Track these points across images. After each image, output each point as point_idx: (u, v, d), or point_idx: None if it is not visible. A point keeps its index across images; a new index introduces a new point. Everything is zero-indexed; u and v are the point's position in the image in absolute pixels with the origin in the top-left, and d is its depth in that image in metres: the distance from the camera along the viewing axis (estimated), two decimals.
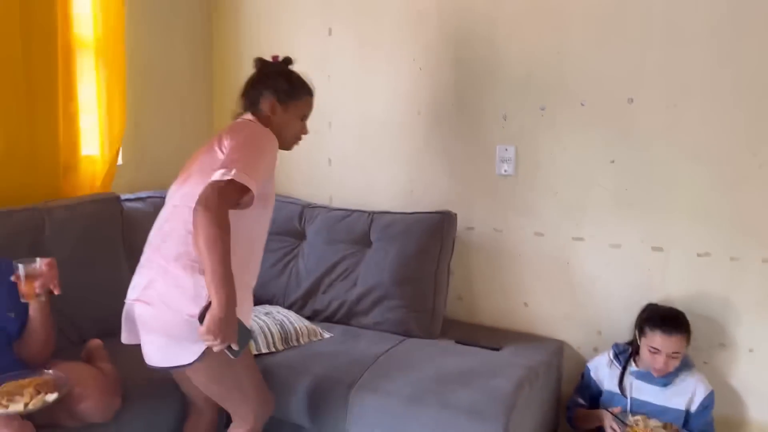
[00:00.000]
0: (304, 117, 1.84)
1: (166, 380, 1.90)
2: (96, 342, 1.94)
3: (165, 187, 2.69)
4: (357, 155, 2.72)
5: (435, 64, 2.50)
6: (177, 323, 1.54)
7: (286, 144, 1.82)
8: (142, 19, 2.61)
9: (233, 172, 1.48)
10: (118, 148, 2.46)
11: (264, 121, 1.75)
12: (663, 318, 2.05)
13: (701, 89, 2.08)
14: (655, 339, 2.00)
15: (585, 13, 2.21)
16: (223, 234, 1.42)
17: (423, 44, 2.51)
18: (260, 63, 1.84)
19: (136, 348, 2.08)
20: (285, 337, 2.20)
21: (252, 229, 1.67)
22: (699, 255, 2.16)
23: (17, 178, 2.16)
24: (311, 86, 1.85)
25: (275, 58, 1.86)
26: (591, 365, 2.20)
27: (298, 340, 2.23)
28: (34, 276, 1.60)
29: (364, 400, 1.93)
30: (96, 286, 2.12)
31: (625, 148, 2.22)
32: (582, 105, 2.27)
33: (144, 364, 1.86)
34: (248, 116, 1.77)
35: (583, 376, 2.22)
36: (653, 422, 1.99)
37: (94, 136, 2.42)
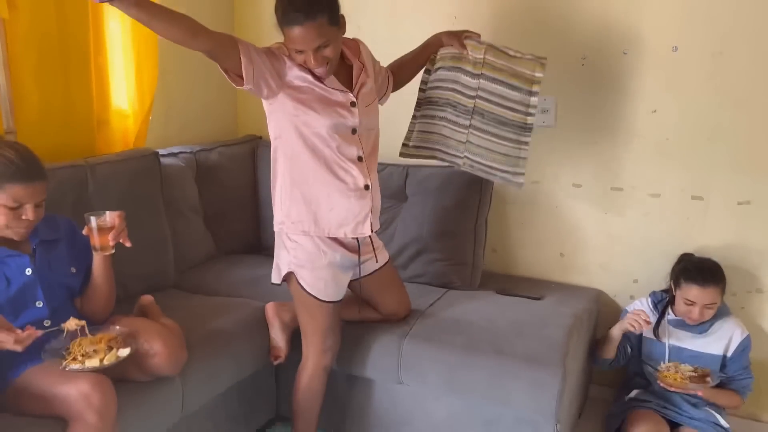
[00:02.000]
0: (294, 49, 1.67)
1: (224, 332, 1.93)
2: (148, 298, 1.94)
3: (192, 142, 2.69)
4: (389, 108, 2.68)
5: (471, 15, 2.45)
6: None
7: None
8: None
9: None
10: (151, 103, 2.40)
11: None
12: (698, 270, 2.08)
13: (747, 36, 2.07)
14: (691, 291, 2.04)
15: None
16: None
17: None
18: None
19: (185, 302, 2.11)
20: None
21: (299, 131, 1.74)
22: (739, 203, 2.19)
23: (53, 136, 2.12)
24: (297, 17, 1.63)
25: None
26: (630, 307, 2.23)
27: None
28: (106, 229, 1.59)
29: (417, 349, 1.97)
30: (140, 241, 2.09)
31: (667, 98, 2.22)
32: (624, 54, 2.25)
33: (196, 317, 1.91)
34: None
35: (622, 315, 2.25)
36: (684, 367, 2.04)
37: (125, 91, 2.36)
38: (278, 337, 2.05)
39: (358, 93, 1.81)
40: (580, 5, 2.27)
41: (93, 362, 1.52)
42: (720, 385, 2.09)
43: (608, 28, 2.25)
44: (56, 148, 2.12)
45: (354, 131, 1.79)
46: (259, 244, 2.77)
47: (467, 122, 2.03)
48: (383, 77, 2.02)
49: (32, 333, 1.39)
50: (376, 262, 1.96)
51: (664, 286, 2.25)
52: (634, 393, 2.19)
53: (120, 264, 2.06)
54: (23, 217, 1.51)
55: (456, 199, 2.40)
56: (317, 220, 1.79)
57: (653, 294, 2.23)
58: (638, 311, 2.09)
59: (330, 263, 1.81)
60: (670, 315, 2.17)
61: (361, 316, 2.04)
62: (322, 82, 1.75)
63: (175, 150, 2.52)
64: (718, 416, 2.08)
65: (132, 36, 2.33)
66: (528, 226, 2.54)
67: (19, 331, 1.38)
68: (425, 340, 1.98)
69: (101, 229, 1.58)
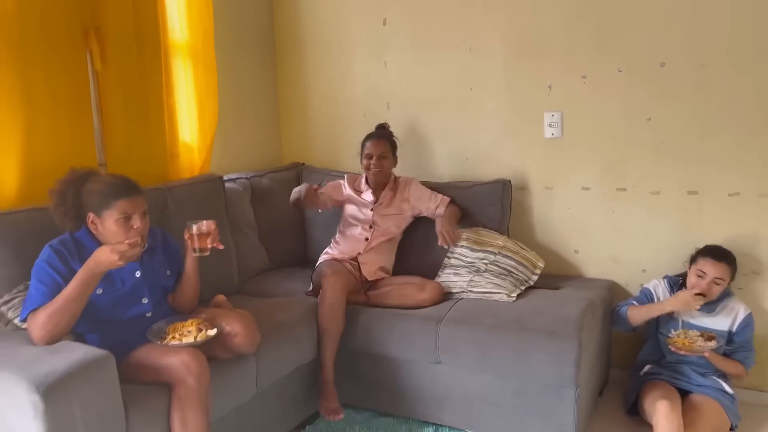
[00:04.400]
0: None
1: (287, 323, 2.28)
2: (221, 297, 2.29)
3: (244, 170, 3.08)
4: (414, 131, 3.06)
5: (483, 45, 2.83)
6: None
7: None
8: (221, 25, 2.96)
9: None
10: (212, 137, 2.81)
11: None
12: (714, 249, 2.38)
13: (727, 50, 2.39)
14: (705, 264, 2.32)
15: None
16: None
17: (471, 28, 2.84)
18: None
19: (251, 302, 2.45)
20: None
21: None
22: (730, 195, 2.49)
23: (136, 166, 2.49)
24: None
25: None
26: (650, 285, 2.51)
27: None
28: (204, 234, 1.95)
29: (452, 331, 2.29)
30: (211, 253, 2.48)
31: (659, 107, 2.54)
32: (619, 71, 2.59)
33: (263, 312, 2.25)
34: None
35: (641, 291, 2.52)
36: (692, 332, 2.31)
37: (189, 128, 2.76)
38: None
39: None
40: (578, 32, 2.63)
41: (189, 339, 1.87)
42: (725, 356, 2.36)
43: (604, 49, 2.59)
44: (138, 177, 2.47)
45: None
46: (305, 258, 3.13)
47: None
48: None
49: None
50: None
51: (669, 274, 2.53)
52: (647, 368, 2.46)
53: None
54: (135, 227, 1.88)
55: (480, 214, 2.76)
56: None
57: (667, 277, 2.51)
58: (692, 297, 2.30)
59: None
60: None
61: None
62: None
63: (233, 176, 2.91)
64: (723, 384, 2.34)
65: (195, 82, 2.74)
66: (545, 228, 2.85)
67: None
68: (458, 324, 2.30)
69: (200, 235, 1.95)
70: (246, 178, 2.98)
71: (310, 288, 2.61)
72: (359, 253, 2.70)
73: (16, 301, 1.87)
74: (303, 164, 3.33)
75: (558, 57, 2.69)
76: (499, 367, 2.23)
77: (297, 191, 2.74)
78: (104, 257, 1.72)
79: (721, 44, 2.40)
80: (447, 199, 2.77)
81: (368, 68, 3.13)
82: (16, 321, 1.84)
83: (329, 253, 2.76)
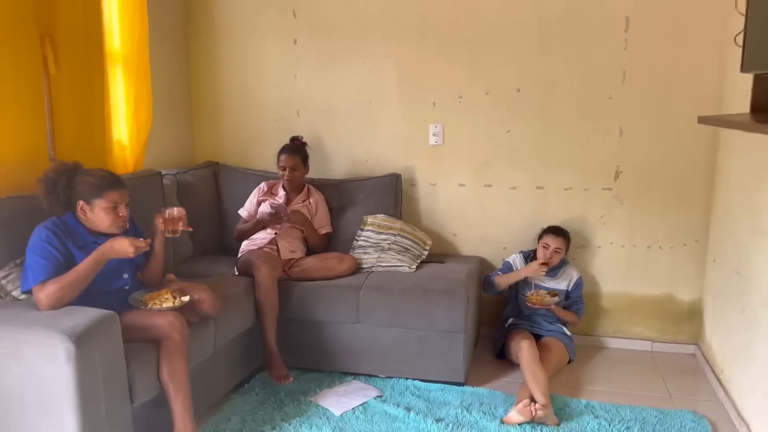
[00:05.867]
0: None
1: (233, 294, 2.71)
2: (171, 276, 2.64)
3: (168, 167, 3.40)
4: (321, 136, 3.60)
5: (380, 67, 3.46)
6: None
7: None
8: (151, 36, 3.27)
9: None
10: (146, 138, 3.12)
11: None
12: (554, 227, 3.20)
13: (562, 82, 3.25)
14: (548, 238, 3.14)
15: (487, 31, 3.29)
16: None
17: (370, 52, 3.46)
18: None
19: (192, 280, 2.82)
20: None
21: None
22: (565, 189, 3.35)
23: (82, 161, 2.77)
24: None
25: None
26: (510, 259, 3.29)
27: None
28: (176, 218, 2.33)
29: (369, 296, 2.87)
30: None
31: (516, 122, 3.34)
32: (486, 94, 3.35)
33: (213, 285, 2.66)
34: None
35: (504, 264, 3.30)
36: (542, 291, 3.13)
37: (127, 128, 3.05)
38: None
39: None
40: (455, 61, 3.35)
41: (168, 304, 2.26)
42: (565, 308, 3.20)
43: (475, 76, 3.34)
44: None
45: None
46: (223, 245, 3.53)
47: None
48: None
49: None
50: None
51: (525, 250, 3.33)
52: (510, 320, 3.23)
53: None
54: (120, 215, 2.22)
55: (378, 202, 3.37)
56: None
57: (522, 252, 3.30)
58: (538, 266, 3.08)
59: None
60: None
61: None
62: None
63: (163, 172, 3.24)
64: (564, 328, 3.18)
65: (130, 86, 3.03)
66: (430, 216, 3.54)
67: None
68: (374, 290, 2.89)
69: (173, 219, 2.33)
70: (173, 175, 3.31)
71: (236, 273, 3.04)
72: (274, 238, 3.15)
73: (12, 276, 2.12)
74: (218, 163, 3.71)
75: (440, 80, 3.39)
76: (408, 321, 2.85)
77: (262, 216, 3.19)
78: (122, 248, 2.08)
79: (559, 77, 3.25)
80: (329, 230, 3.34)
81: (280, 80, 3.61)
82: (15, 293, 2.10)
83: (250, 243, 3.19)
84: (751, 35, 2.05)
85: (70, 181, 2.20)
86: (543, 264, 3.09)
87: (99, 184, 2.19)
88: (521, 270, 3.18)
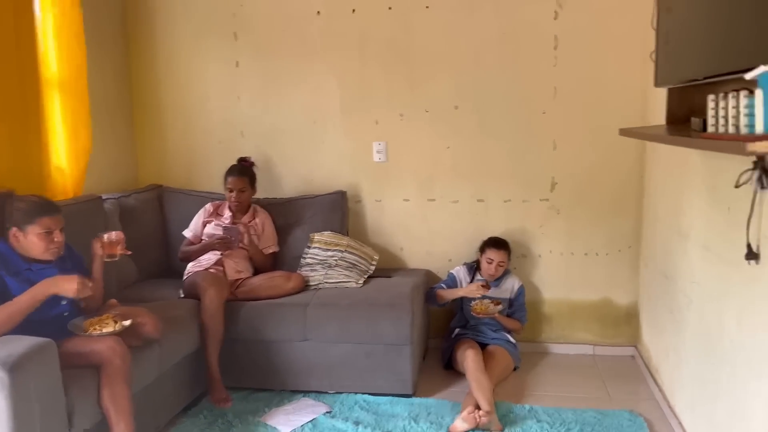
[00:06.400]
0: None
1: (177, 317, 2.70)
2: (114, 301, 2.62)
3: (110, 191, 3.37)
4: (267, 156, 3.63)
5: (323, 87, 3.52)
6: None
7: None
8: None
9: None
10: (86, 163, 3.09)
11: None
12: (495, 240, 3.30)
13: (497, 98, 3.37)
14: (491, 253, 3.24)
15: (425, 51, 3.39)
16: None
17: (313, 72, 3.52)
18: None
19: (136, 305, 2.80)
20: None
21: None
22: (504, 201, 3.46)
23: (19, 188, 2.73)
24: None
25: None
26: (453, 271, 3.37)
27: None
28: (114, 242, 2.32)
29: (317, 313, 2.90)
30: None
31: (455, 138, 3.45)
32: (426, 111, 3.45)
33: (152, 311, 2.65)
34: None
35: (448, 276, 3.37)
36: (486, 301, 3.21)
37: (66, 153, 3.02)
38: None
39: None
40: (395, 81, 3.44)
41: (109, 329, 2.24)
42: (509, 316, 3.30)
43: (415, 95, 3.44)
44: None
45: None
46: (169, 269, 3.50)
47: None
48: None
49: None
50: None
51: (468, 261, 3.42)
52: (456, 331, 3.30)
53: None
54: (55, 240, 2.20)
55: (324, 219, 3.41)
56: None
57: (466, 264, 3.39)
58: (477, 287, 3.16)
59: None
60: (478, 276, 3.33)
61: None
62: None
63: (104, 196, 3.20)
64: (509, 336, 3.27)
65: (68, 112, 3.00)
66: (377, 231, 3.60)
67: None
68: (322, 306, 2.92)
69: (110, 243, 2.32)
70: (115, 198, 3.28)
71: (182, 295, 3.03)
72: (220, 258, 3.14)
73: None
74: (162, 186, 3.69)
75: (381, 99, 3.48)
76: (355, 336, 2.88)
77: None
78: (66, 286, 2.09)
79: (496, 94, 3.37)
80: (275, 249, 3.36)
81: (223, 102, 3.64)
82: None
83: (196, 264, 3.18)
84: (662, 51, 2.20)
85: (2, 209, 2.17)
86: (483, 286, 3.17)
87: (31, 210, 2.18)
88: (460, 290, 3.26)
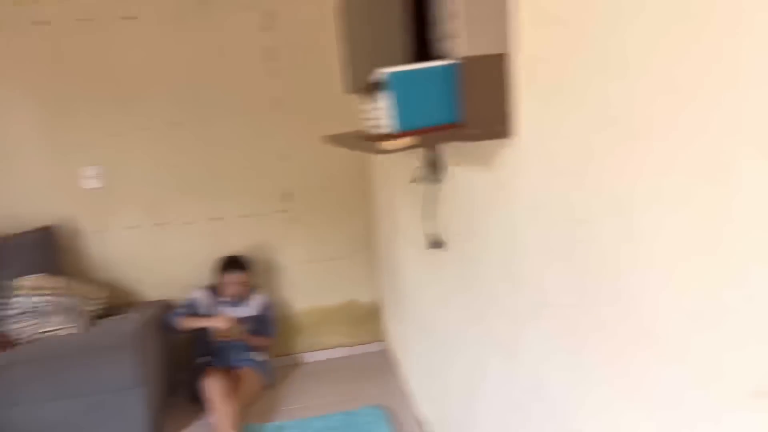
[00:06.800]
0: None
1: None
2: None
3: None
4: None
5: (9, 113, 3.07)
6: None
7: None
8: None
9: None
10: None
11: None
12: (227, 263, 3.17)
13: (219, 113, 3.25)
14: (229, 276, 3.11)
15: (135, 68, 3.14)
16: None
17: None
18: None
19: None
20: None
21: None
22: (243, 216, 3.36)
23: None
24: None
25: None
26: (194, 293, 3.17)
27: None
28: None
29: (25, 373, 2.49)
30: None
31: (180, 157, 3.25)
32: (144, 130, 3.20)
33: None
34: None
35: (187, 300, 3.16)
36: (231, 323, 3.08)
37: None
38: None
39: None
40: (103, 98, 3.13)
41: None
42: (258, 333, 3.20)
43: (128, 113, 3.17)
44: None
45: None
46: None
47: None
48: None
49: None
50: None
51: (208, 283, 3.25)
52: (200, 360, 3.11)
53: None
54: None
55: (33, 261, 2.98)
56: None
57: (206, 287, 3.21)
58: (224, 321, 3.02)
59: None
60: (220, 298, 3.17)
61: None
62: None
63: None
64: (256, 355, 3.17)
65: None
66: (106, 266, 3.25)
67: None
68: (31, 362, 2.52)
69: None
70: None
71: None
72: None
73: None
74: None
75: (90, 118, 3.13)
76: (75, 388, 2.55)
77: None
78: None
79: (217, 108, 3.25)
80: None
81: None
82: None
83: None
84: (342, 62, 2.29)
85: None
86: (231, 319, 3.06)
87: None
88: (206, 320, 3.09)
